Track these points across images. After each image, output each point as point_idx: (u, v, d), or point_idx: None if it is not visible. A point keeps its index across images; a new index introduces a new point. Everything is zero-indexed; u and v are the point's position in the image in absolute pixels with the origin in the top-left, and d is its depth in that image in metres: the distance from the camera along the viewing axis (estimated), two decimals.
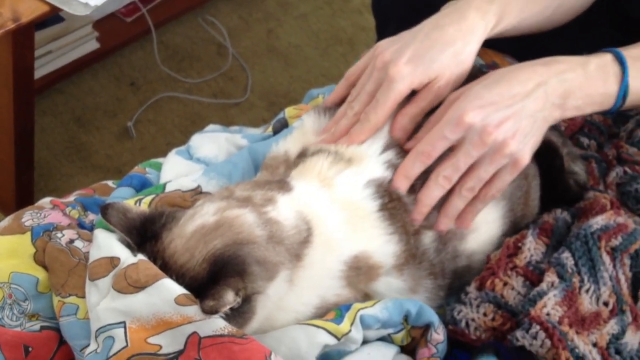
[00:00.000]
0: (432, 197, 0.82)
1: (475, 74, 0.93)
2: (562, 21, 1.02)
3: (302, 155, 0.88)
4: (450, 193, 0.83)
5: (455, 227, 0.84)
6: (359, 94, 0.89)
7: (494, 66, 1.13)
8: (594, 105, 0.86)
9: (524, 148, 0.82)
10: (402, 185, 0.82)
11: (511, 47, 0.87)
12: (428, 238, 0.83)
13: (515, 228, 0.89)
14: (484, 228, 0.86)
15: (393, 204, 0.82)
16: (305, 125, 0.92)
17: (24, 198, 1.65)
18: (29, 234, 0.84)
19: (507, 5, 0.90)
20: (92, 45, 1.92)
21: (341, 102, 0.93)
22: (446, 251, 0.84)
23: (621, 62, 0.86)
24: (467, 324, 0.81)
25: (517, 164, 0.82)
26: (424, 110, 0.86)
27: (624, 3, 1.10)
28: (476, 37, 0.87)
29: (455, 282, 0.86)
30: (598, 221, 0.87)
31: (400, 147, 0.85)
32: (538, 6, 0.95)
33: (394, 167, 0.83)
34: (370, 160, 0.84)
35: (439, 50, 0.85)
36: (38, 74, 1.78)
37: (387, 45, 0.88)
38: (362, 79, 0.90)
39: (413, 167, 0.82)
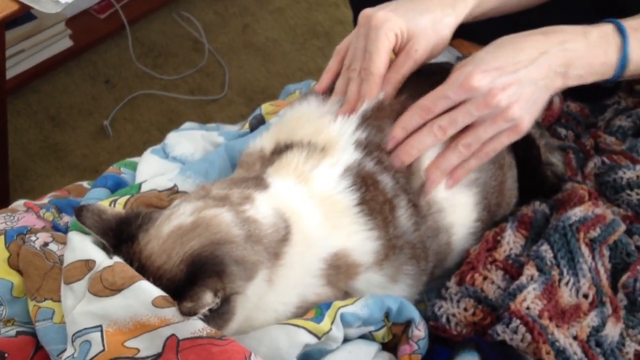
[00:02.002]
0: (421, 142, 0.83)
1: (434, 70, 0.93)
2: (540, 2, 1.04)
3: (277, 151, 0.87)
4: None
5: (445, 185, 0.84)
6: (353, 55, 0.90)
7: None
8: (595, 74, 0.88)
9: (525, 114, 0.83)
10: (399, 134, 0.83)
11: (491, 38, 0.88)
12: (405, 217, 0.82)
13: (491, 217, 0.89)
14: (460, 204, 0.86)
15: (370, 194, 0.81)
16: (302, 113, 0.90)
17: (0, 199, 1.63)
18: (2, 237, 0.83)
19: None
20: (66, 43, 1.90)
21: (335, 79, 0.93)
22: (426, 225, 0.83)
23: (621, 32, 0.88)
24: (447, 320, 0.81)
25: (517, 129, 0.84)
26: (403, 75, 0.88)
27: None
28: (455, 12, 0.90)
29: (437, 267, 0.86)
30: (576, 213, 0.87)
31: (372, 126, 0.84)
32: None
33: (361, 145, 0.83)
34: (342, 144, 0.83)
35: (418, 11, 0.89)
36: (11, 73, 1.75)
37: (369, 8, 0.91)
38: (351, 43, 0.92)
39: (411, 119, 0.83)
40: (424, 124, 0.83)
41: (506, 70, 0.82)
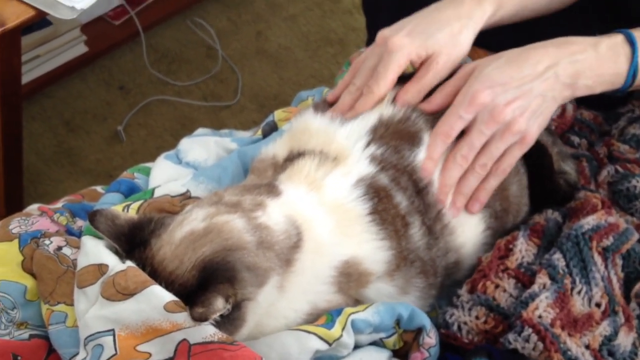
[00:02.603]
0: (452, 177, 0.85)
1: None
2: (561, 7, 1.04)
3: (290, 158, 0.87)
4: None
5: (469, 208, 0.86)
6: (360, 70, 0.92)
7: None
8: (605, 84, 0.89)
9: (532, 126, 0.85)
10: (430, 167, 0.85)
11: (503, 46, 0.89)
12: (418, 236, 0.82)
13: (500, 223, 0.89)
14: (468, 222, 0.87)
15: (383, 205, 0.81)
16: (309, 125, 0.91)
17: (13, 204, 1.64)
18: (16, 241, 0.84)
19: None
20: (81, 49, 1.91)
21: None
22: (438, 247, 0.84)
23: (631, 42, 0.89)
24: (459, 327, 0.81)
25: (525, 140, 0.86)
26: (423, 88, 0.90)
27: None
28: (473, 22, 0.91)
29: (446, 280, 0.86)
30: (589, 221, 0.87)
31: (388, 145, 0.85)
32: None
33: (376, 160, 0.83)
34: (355, 156, 0.84)
35: (436, 28, 0.90)
36: (26, 78, 1.77)
37: (388, 28, 0.93)
38: (364, 57, 0.94)
39: (436, 148, 0.85)
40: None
41: (511, 85, 0.85)
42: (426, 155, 0.85)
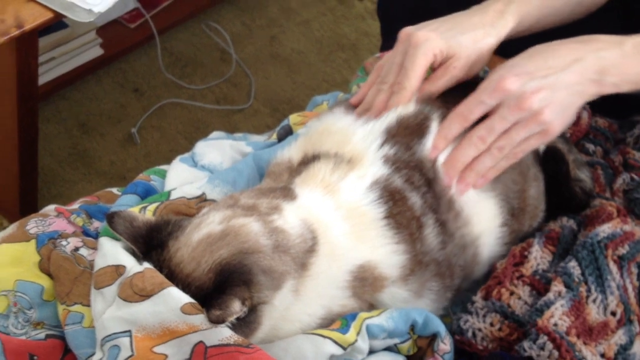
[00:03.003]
0: (465, 155, 0.84)
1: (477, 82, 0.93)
2: (580, 17, 1.05)
3: (304, 162, 0.87)
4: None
5: (475, 185, 0.85)
6: (387, 68, 0.92)
7: None
8: (630, 83, 0.88)
9: (556, 119, 0.84)
10: (440, 144, 0.84)
11: (517, 53, 0.89)
12: (432, 235, 0.82)
13: (517, 222, 0.89)
14: (484, 212, 0.86)
15: (398, 208, 0.81)
16: (328, 125, 0.91)
17: (28, 204, 1.65)
18: (33, 241, 0.84)
19: (526, 4, 0.93)
20: (96, 51, 1.92)
21: None
22: (454, 243, 0.83)
23: None
24: (473, 334, 0.80)
25: (547, 133, 0.85)
26: (438, 89, 0.90)
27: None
28: (496, 31, 0.91)
29: (464, 282, 0.85)
30: (605, 229, 0.87)
31: (400, 144, 0.85)
32: (557, 3, 0.98)
33: (390, 161, 0.83)
34: (370, 158, 0.84)
35: (459, 31, 0.90)
36: (42, 80, 1.78)
37: (410, 27, 0.92)
38: (387, 58, 0.93)
39: (451, 128, 0.85)
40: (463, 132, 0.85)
41: (538, 74, 0.84)
42: (438, 133, 0.85)
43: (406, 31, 0.91)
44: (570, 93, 0.85)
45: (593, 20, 1.06)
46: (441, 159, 0.85)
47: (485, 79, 0.86)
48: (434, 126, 0.86)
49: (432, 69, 0.91)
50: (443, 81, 0.89)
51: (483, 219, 0.86)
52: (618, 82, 0.87)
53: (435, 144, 0.85)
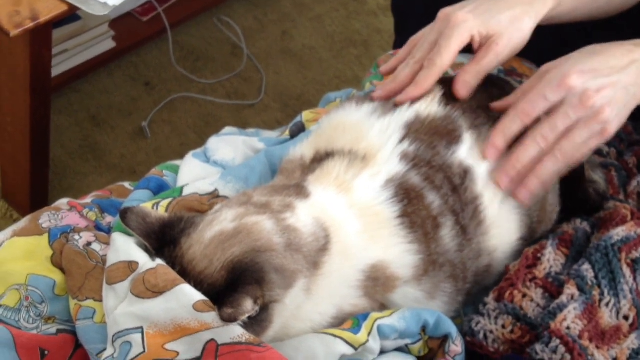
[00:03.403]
0: (527, 156, 0.82)
1: (494, 81, 0.92)
2: (614, 12, 1.04)
3: (317, 159, 0.87)
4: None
5: (537, 190, 0.83)
6: (420, 43, 0.91)
7: (511, 71, 1.12)
8: None
9: (615, 118, 0.83)
10: (499, 141, 0.83)
11: (543, 58, 0.88)
12: (449, 237, 0.81)
13: (532, 234, 0.88)
14: (505, 225, 0.85)
15: (413, 207, 0.81)
16: (341, 121, 0.90)
17: (39, 197, 1.65)
18: (46, 235, 0.84)
19: None
20: (108, 44, 1.92)
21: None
22: (470, 248, 0.82)
23: None
24: (485, 336, 0.80)
25: (605, 133, 0.83)
26: (484, 69, 0.88)
27: None
28: (534, 11, 0.90)
29: (475, 287, 0.85)
30: (619, 232, 0.86)
31: (422, 141, 0.84)
32: None
33: (408, 158, 0.82)
34: (385, 155, 0.83)
35: (498, 10, 0.88)
36: (54, 72, 1.78)
37: (449, 7, 0.91)
38: (422, 34, 0.92)
39: (512, 124, 0.83)
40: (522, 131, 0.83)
41: (601, 72, 0.83)
42: (497, 127, 0.83)
43: (445, 11, 0.90)
44: (628, 94, 0.84)
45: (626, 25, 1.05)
46: (478, 171, 0.83)
47: (539, 76, 0.84)
48: (465, 136, 0.84)
49: (474, 52, 0.90)
50: (487, 60, 0.88)
51: (503, 232, 0.85)
52: None
53: (492, 142, 0.83)
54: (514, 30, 0.88)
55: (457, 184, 0.83)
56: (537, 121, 0.84)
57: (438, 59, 0.86)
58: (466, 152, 0.84)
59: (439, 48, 0.87)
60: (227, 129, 1.11)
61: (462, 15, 0.88)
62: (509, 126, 0.83)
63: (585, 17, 1.00)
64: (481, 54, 0.88)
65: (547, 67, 0.86)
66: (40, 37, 1.32)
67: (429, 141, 0.83)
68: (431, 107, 0.86)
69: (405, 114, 0.85)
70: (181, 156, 1.00)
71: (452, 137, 0.84)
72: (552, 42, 0.99)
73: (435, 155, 0.83)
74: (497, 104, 0.88)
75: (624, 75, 0.84)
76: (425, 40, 0.90)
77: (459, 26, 0.87)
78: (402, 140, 0.83)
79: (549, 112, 0.83)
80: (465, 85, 0.87)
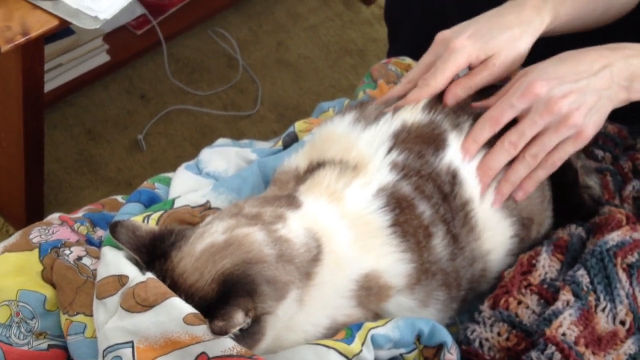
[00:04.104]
0: (498, 161, 0.85)
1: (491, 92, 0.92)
2: (610, 20, 1.05)
3: (310, 169, 0.87)
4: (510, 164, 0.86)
5: (514, 196, 0.86)
6: (415, 66, 0.93)
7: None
8: None
9: (588, 122, 0.85)
10: (471, 148, 0.85)
11: (535, 60, 0.89)
12: (441, 246, 0.81)
13: (526, 231, 0.88)
14: (496, 226, 0.86)
15: (405, 216, 0.80)
16: (332, 131, 0.90)
17: (34, 211, 1.65)
18: (36, 251, 0.84)
19: (561, 4, 0.94)
20: (103, 57, 1.92)
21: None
22: (463, 256, 0.82)
23: None
24: (480, 344, 0.80)
25: (581, 136, 0.85)
26: (476, 84, 0.90)
27: None
28: (532, 28, 0.92)
29: (470, 293, 0.84)
30: (614, 237, 0.86)
31: (410, 150, 0.84)
32: (591, 5, 0.98)
33: (398, 167, 0.82)
34: (376, 164, 0.83)
35: (497, 31, 0.91)
36: (48, 86, 1.78)
37: (448, 30, 0.93)
38: (421, 59, 0.94)
39: (482, 131, 0.85)
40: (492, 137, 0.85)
41: (567, 79, 0.85)
42: (469, 135, 0.85)
43: (443, 35, 0.92)
44: (601, 97, 0.85)
45: (619, 29, 1.05)
46: (464, 174, 0.85)
47: (514, 82, 0.87)
48: (451, 139, 0.85)
49: (469, 69, 0.92)
50: (480, 77, 0.90)
51: (496, 234, 0.86)
52: None
53: (465, 148, 0.85)
54: (511, 49, 0.90)
55: (447, 192, 0.82)
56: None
57: (432, 80, 0.89)
58: (453, 153, 0.85)
59: (435, 70, 0.89)
60: (220, 140, 1.10)
61: (461, 42, 0.89)
62: (480, 133, 0.85)
63: (582, 29, 1.01)
64: (478, 69, 0.90)
65: (525, 71, 0.88)
66: (32, 51, 1.32)
67: (417, 150, 0.84)
68: (415, 114, 0.87)
69: (392, 124, 0.86)
70: (177, 169, 0.99)
71: (438, 143, 0.85)
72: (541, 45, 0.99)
73: (424, 164, 0.83)
74: (476, 104, 0.90)
75: (593, 80, 0.85)
76: (421, 62, 0.92)
77: (456, 52, 0.89)
78: (390, 150, 0.84)
79: (519, 119, 0.85)
80: (454, 97, 0.89)
